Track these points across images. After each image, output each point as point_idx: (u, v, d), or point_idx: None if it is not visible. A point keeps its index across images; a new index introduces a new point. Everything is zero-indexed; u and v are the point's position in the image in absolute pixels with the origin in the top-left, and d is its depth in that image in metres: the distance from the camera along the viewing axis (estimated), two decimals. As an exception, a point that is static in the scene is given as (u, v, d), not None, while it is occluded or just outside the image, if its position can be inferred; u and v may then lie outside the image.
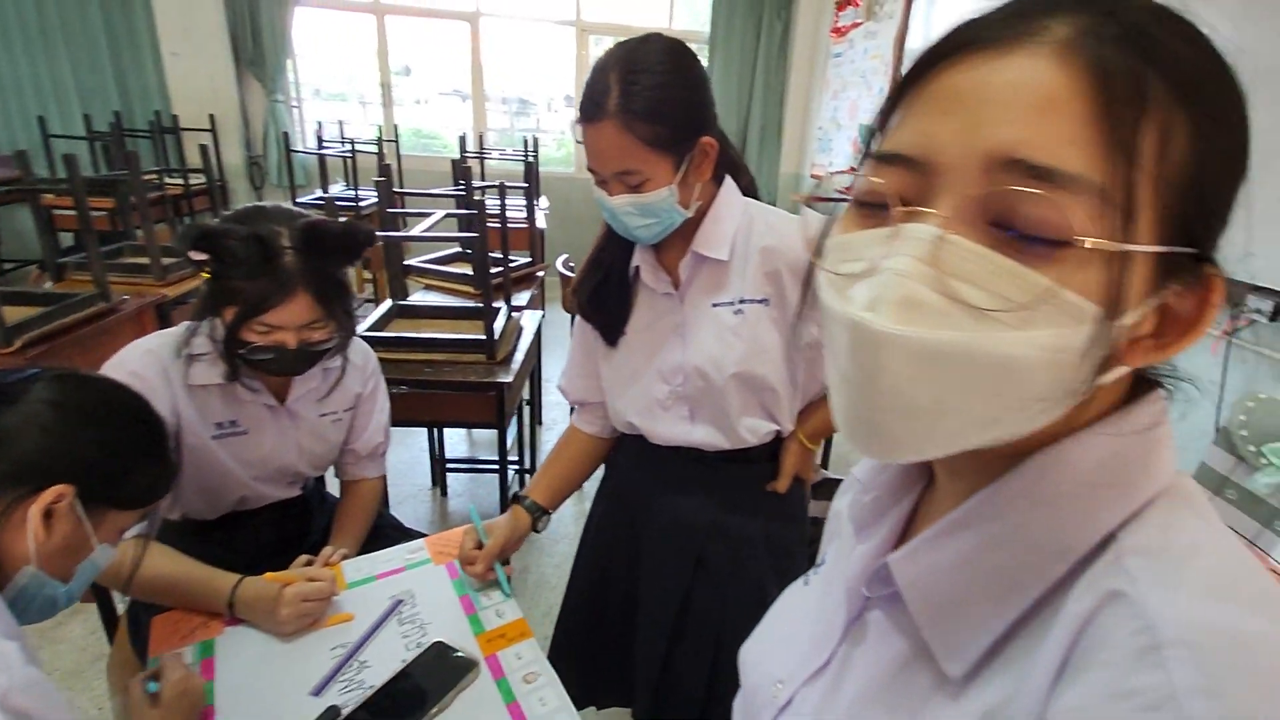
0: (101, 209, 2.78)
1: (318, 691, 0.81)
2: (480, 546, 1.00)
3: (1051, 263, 0.28)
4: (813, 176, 4.59)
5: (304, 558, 1.03)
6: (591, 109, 0.80)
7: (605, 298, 0.98)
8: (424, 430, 2.51)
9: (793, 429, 0.98)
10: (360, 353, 1.22)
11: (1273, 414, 1.39)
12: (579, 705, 0.83)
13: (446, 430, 2.64)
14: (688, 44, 0.85)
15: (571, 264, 2.73)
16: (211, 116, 4.08)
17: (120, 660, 1.09)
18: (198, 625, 0.91)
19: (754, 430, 0.94)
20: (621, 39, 0.84)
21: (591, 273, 1.00)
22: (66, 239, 2.96)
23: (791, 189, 4.75)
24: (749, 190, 0.96)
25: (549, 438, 2.92)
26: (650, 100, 0.79)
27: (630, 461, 1.08)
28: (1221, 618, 0.26)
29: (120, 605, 1.13)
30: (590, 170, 0.86)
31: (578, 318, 1.06)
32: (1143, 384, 0.34)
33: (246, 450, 1.08)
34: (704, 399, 0.93)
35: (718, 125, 0.88)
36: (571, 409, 1.15)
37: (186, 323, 1.03)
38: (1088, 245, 0.27)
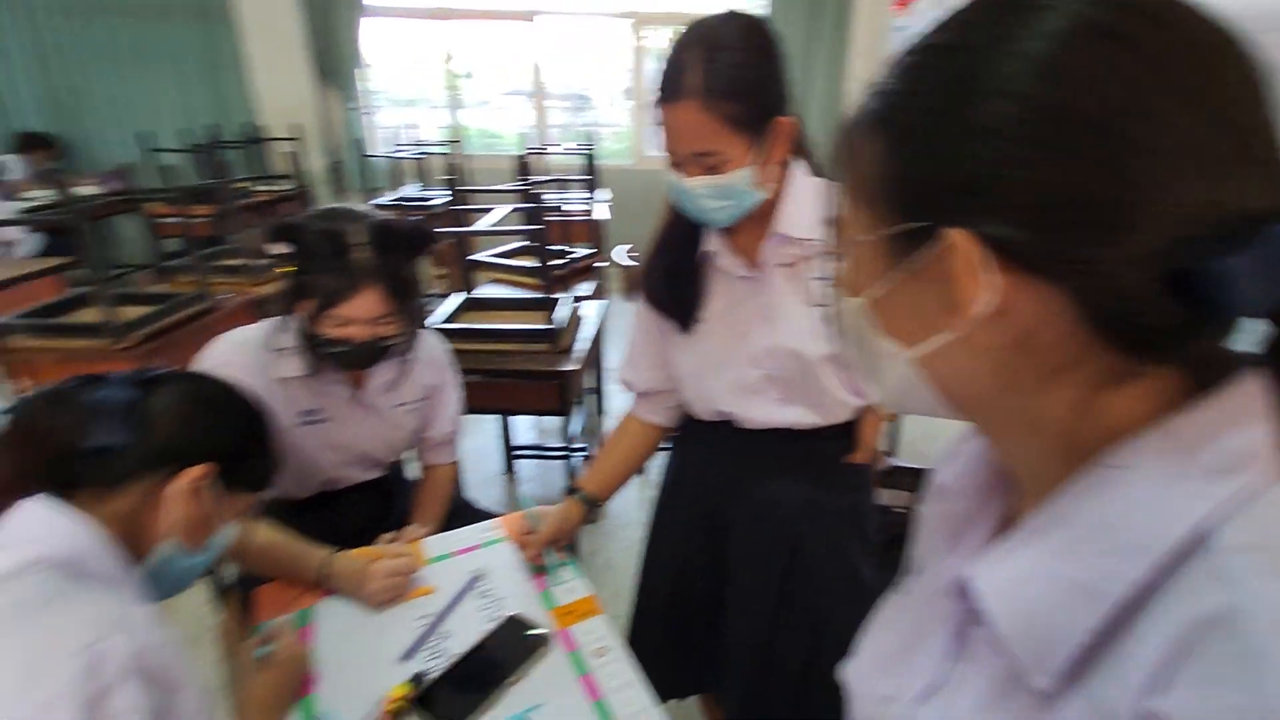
0: (199, 216, 3.02)
1: (406, 657, 0.87)
2: (533, 532, 1.04)
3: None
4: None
5: (388, 535, 1.09)
6: (671, 89, 0.79)
7: (677, 283, 0.97)
8: (495, 418, 2.60)
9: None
10: (433, 346, 1.27)
11: None
12: (662, 698, 0.84)
13: (516, 419, 2.72)
14: None
15: (635, 253, 2.74)
16: (295, 126, 4.33)
17: (228, 629, 1.19)
18: (295, 596, 0.99)
19: (848, 406, 0.95)
20: (679, 28, 0.83)
21: (659, 258, 0.99)
22: (169, 244, 3.23)
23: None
24: (816, 171, 0.95)
25: (612, 425, 2.95)
26: (732, 78, 0.77)
27: (709, 447, 1.06)
28: None
29: (228, 578, 1.23)
30: (666, 152, 0.85)
31: (640, 306, 1.06)
32: (1235, 365, 0.32)
33: (329, 437, 1.15)
34: (797, 380, 0.93)
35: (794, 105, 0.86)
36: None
37: (272, 319, 1.10)
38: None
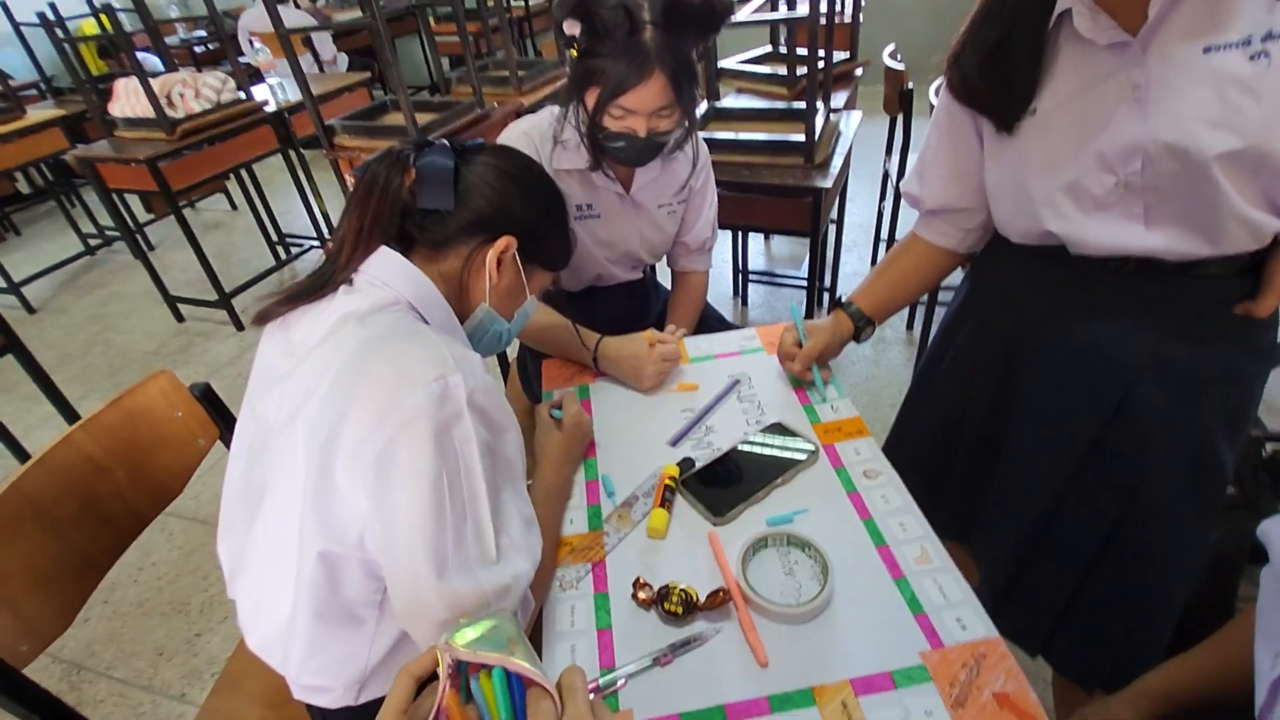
0: (467, 33, 3.17)
1: (674, 442, 0.91)
2: (800, 345, 0.97)
3: None
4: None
5: (650, 331, 1.12)
6: None
7: (1009, 61, 0.74)
8: (728, 242, 2.54)
9: None
10: (695, 146, 1.20)
11: None
12: None
13: (750, 242, 2.63)
14: None
15: (898, 55, 2.30)
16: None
17: (514, 395, 1.38)
18: (575, 372, 1.08)
19: (1253, 230, 0.68)
20: None
21: (987, 27, 0.75)
22: (444, 62, 3.48)
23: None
24: None
25: (847, 260, 2.74)
26: None
27: (1017, 275, 0.88)
28: None
29: (510, 354, 1.42)
30: None
31: (942, 101, 0.85)
32: None
33: (599, 232, 1.18)
34: (1174, 190, 0.68)
35: None
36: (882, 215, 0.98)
37: (553, 108, 1.10)
38: None
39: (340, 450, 0.58)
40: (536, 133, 1.10)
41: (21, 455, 1.88)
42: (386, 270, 0.69)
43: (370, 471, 0.56)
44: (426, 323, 0.69)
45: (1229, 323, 0.76)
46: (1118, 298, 0.78)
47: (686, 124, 1.04)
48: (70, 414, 1.84)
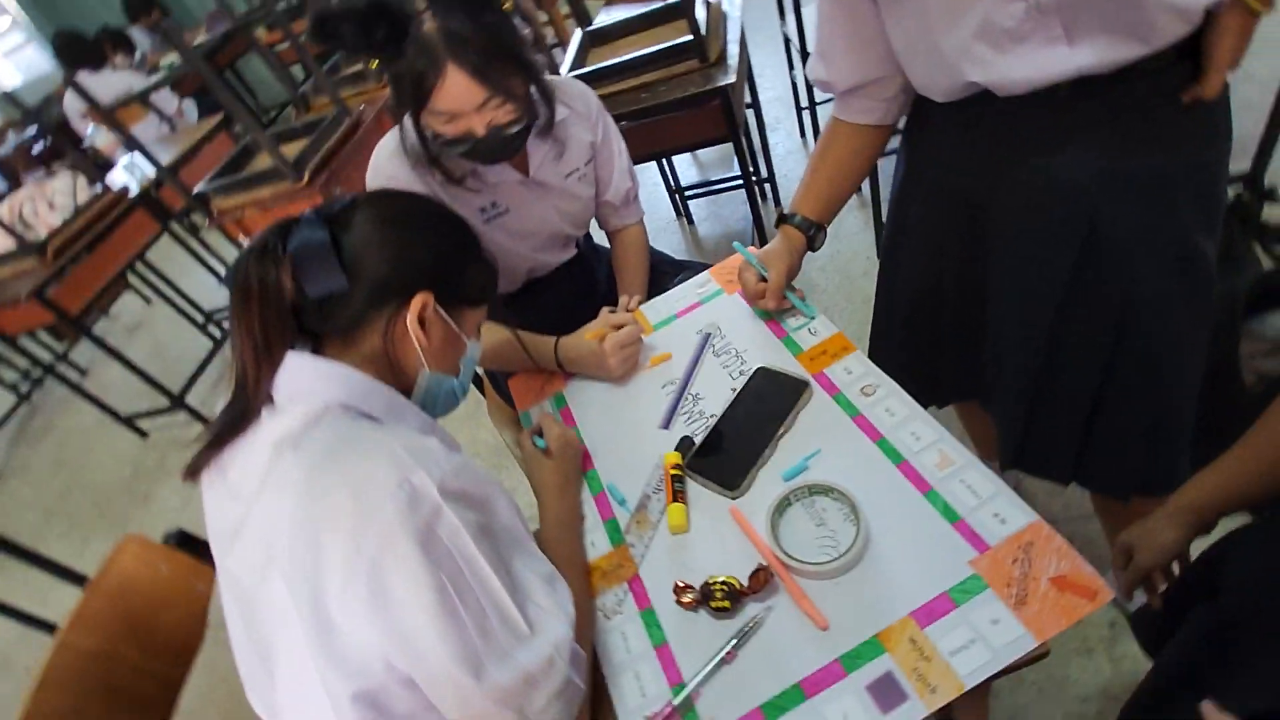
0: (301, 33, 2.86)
1: (666, 424, 0.87)
2: (762, 279, 0.92)
3: None
4: None
5: (605, 310, 1.06)
6: None
7: None
8: (653, 168, 2.42)
9: None
10: (579, 97, 1.09)
11: None
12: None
13: (678, 159, 2.51)
14: None
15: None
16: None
17: (495, 405, 1.33)
18: (544, 382, 1.03)
19: (1182, 12, 0.62)
20: None
21: None
22: (295, 72, 3.17)
23: None
24: None
25: (776, 139, 2.63)
26: None
27: (953, 135, 0.82)
28: None
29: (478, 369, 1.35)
30: None
31: None
32: None
33: (514, 226, 1.09)
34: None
35: None
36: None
37: (397, 125, 0.99)
38: None
39: (328, 593, 0.53)
40: (409, 147, 0.99)
41: (48, 628, 1.84)
42: (303, 380, 0.62)
43: (367, 603, 0.53)
44: (371, 416, 0.63)
45: (1179, 116, 0.71)
46: (1062, 125, 0.73)
47: (538, 103, 0.94)
48: (70, 574, 1.79)
